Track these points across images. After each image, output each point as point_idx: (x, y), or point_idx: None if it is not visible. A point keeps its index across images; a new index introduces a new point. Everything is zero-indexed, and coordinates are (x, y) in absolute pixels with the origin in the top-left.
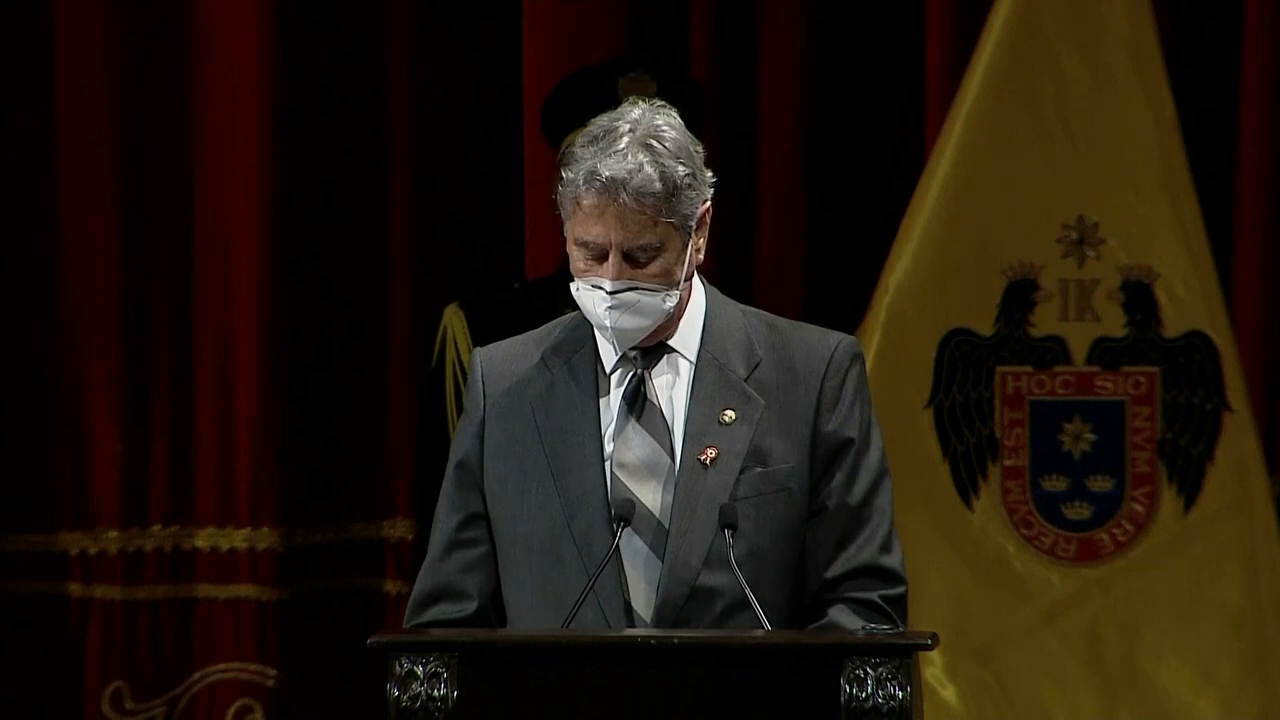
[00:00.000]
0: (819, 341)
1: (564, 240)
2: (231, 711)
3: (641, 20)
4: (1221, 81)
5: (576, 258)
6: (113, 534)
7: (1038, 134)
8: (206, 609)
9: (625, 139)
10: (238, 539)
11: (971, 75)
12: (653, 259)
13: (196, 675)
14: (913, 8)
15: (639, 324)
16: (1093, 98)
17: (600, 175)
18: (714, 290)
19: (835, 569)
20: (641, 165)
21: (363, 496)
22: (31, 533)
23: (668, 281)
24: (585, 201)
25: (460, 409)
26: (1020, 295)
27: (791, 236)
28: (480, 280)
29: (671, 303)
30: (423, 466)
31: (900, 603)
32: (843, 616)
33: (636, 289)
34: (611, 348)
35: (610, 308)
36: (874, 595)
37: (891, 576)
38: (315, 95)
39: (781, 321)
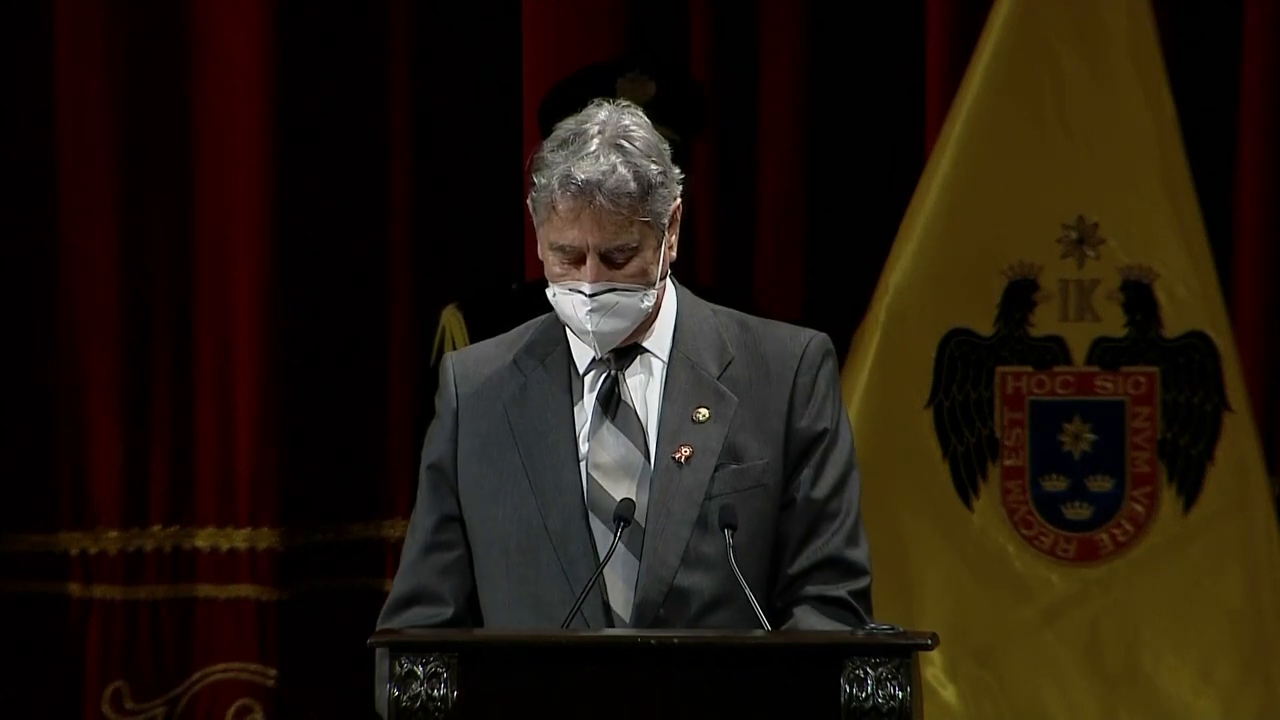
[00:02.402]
0: (791, 339)
1: None
2: (231, 711)
3: (641, 20)
4: (1221, 81)
5: (552, 262)
6: (113, 534)
7: (1038, 134)
8: (206, 609)
9: (595, 141)
10: (238, 539)
11: (971, 75)
12: (630, 259)
13: (196, 675)
14: (913, 8)
15: (618, 326)
16: (1093, 98)
17: (575, 179)
18: (685, 290)
19: (801, 562)
20: (615, 166)
21: (363, 496)
22: (31, 533)
23: (644, 281)
24: (560, 206)
25: None
26: (1020, 295)
27: (791, 236)
28: (478, 281)
29: (649, 302)
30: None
31: (865, 596)
32: (810, 619)
33: (615, 290)
34: (586, 349)
35: (591, 311)
36: (841, 591)
37: (856, 569)
38: (315, 95)
39: (752, 320)
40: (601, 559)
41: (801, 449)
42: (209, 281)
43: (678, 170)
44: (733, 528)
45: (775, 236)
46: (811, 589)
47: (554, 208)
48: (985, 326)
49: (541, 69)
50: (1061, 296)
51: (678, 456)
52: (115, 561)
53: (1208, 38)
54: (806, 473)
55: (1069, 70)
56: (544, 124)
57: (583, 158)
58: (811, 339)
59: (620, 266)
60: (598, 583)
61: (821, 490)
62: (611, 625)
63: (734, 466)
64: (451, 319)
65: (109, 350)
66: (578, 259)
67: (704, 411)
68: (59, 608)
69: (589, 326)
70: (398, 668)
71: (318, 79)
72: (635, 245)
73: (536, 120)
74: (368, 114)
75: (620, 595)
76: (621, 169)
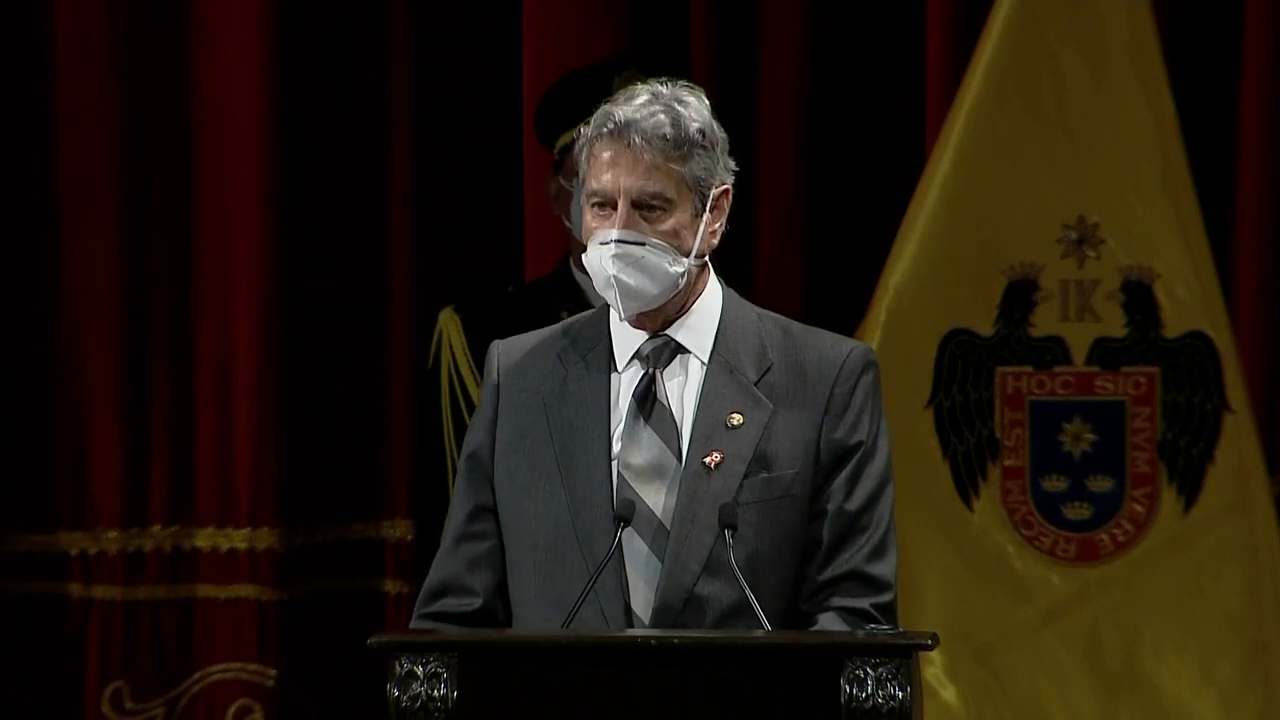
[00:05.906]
0: (832, 348)
1: (561, 242)
2: (231, 711)
3: (641, 20)
4: (1221, 82)
5: (589, 218)
6: (113, 534)
7: (1038, 134)
8: (206, 609)
9: (645, 96)
10: (238, 539)
11: (971, 75)
12: (663, 214)
13: (196, 675)
14: (913, 8)
15: (643, 284)
16: (1093, 98)
17: (614, 117)
18: (731, 292)
19: (826, 573)
20: (655, 112)
21: (363, 496)
22: (31, 533)
23: (677, 244)
24: (598, 147)
25: (455, 411)
26: (1020, 295)
27: (791, 236)
28: (476, 283)
29: (679, 270)
30: (419, 468)
31: (890, 610)
32: (833, 626)
33: (644, 244)
34: (627, 345)
35: (615, 257)
36: (864, 603)
37: (879, 584)
38: (315, 95)
39: (797, 326)
40: (623, 560)
41: (834, 460)
42: (209, 282)
43: (732, 161)
44: (732, 528)
45: (775, 236)
46: (837, 600)
47: (592, 151)
48: (985, 326)
49: (541, 69)
50: (1061, 296)
51: (708, 461)
52: (115, 561)
53: (1208, 38)
54: (839, 484)
55: (1069, 70)
56: (540, 124)
57: (628, 104)
58: (853, 349)
59: (653, 222)
60: (622, 584)
61: (854, 503)
62: (632, 627)
63: (763, 475)
64: (449, 321)
65: (109, 350)
66: (611, 206)
67: (737, 417)
68: (59, 608)
69: (611, 271)
70: (398, 668)
71: (317, 80)
72: (670, 199)
73: (534, 122)
74: (368, 114)
75: (642, 598)
76: (661, 115)
